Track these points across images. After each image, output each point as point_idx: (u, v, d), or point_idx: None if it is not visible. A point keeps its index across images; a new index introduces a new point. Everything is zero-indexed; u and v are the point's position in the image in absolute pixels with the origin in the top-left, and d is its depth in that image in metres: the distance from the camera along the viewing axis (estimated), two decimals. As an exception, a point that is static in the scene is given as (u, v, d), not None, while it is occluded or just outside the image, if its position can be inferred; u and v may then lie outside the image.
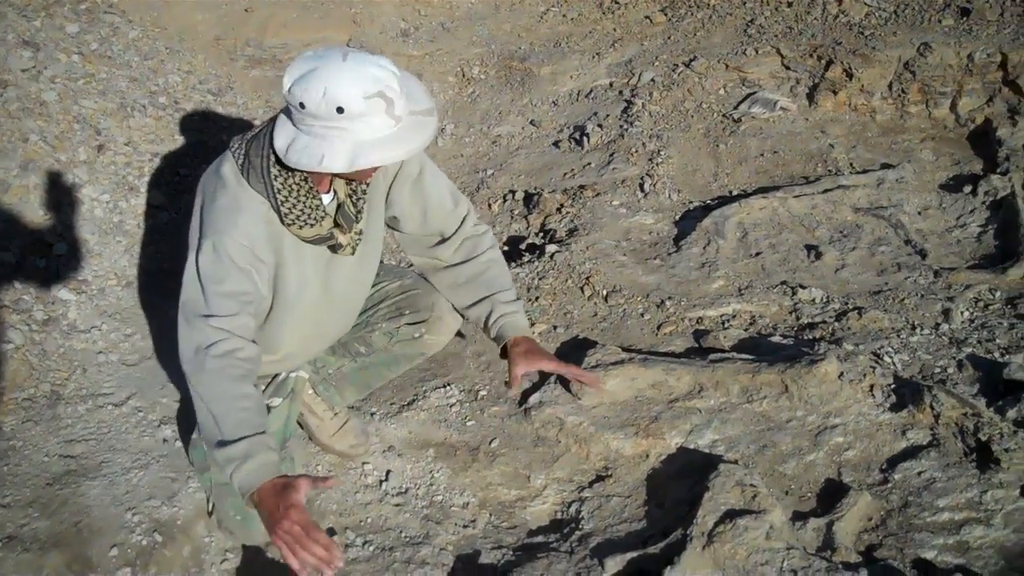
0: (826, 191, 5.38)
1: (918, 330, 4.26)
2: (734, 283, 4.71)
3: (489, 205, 5.66)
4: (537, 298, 4.56)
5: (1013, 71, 6.02)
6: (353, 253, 2.93)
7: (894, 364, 3.98)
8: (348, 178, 2.77)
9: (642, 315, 4.47)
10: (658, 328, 4.39)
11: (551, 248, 4.91)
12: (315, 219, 2.74)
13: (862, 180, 5.49)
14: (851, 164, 5.81)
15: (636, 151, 5.83)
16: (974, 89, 6.14)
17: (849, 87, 6.27)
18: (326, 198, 2.82)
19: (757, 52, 6.53)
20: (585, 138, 6.08)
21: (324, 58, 2.44)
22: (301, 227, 2.73)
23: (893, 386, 3.74)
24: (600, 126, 6.17)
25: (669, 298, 4.56)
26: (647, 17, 7.39)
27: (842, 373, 3.76)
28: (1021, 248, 4.81)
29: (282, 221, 2.73)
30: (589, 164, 5.87)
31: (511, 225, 5.46)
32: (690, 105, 6.33)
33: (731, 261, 4.88)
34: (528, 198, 5.62)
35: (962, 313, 4.38)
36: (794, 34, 6.71)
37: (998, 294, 4.54)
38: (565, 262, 4.78)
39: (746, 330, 4.37)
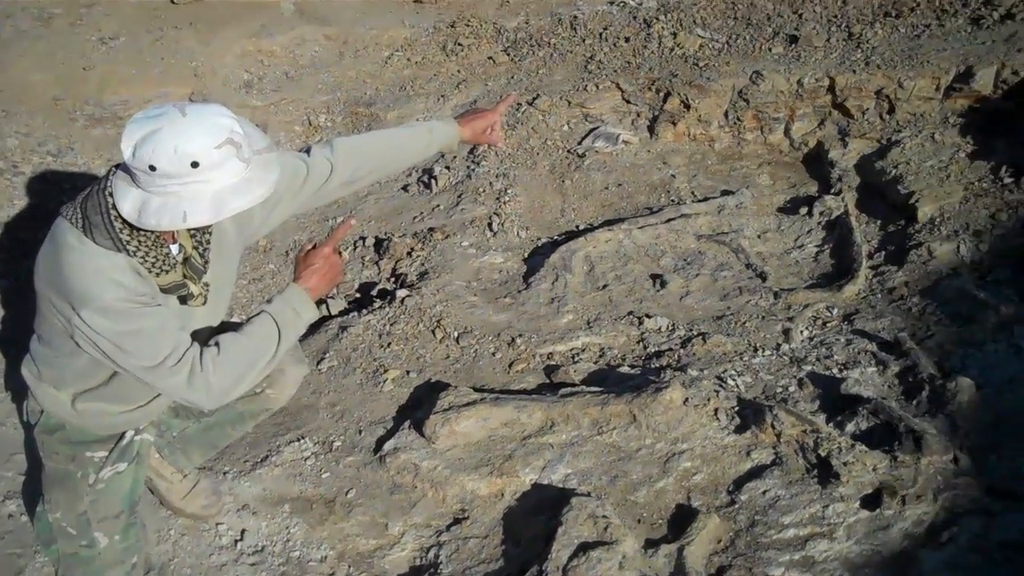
0: (669, 220, 5.51)
1: (760, 352, 4.39)
2: (583, 316, 4.78)
3: (340, 252, 5.62)
4: (389, 344, 4.56)
5: (841, 94, 6.27)
6: (204, 303, 2.88)
7: (738, 386, 4.09)
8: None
9: (494, 354, 4.51)
10: (510, 366, 4.43)
11: (402, 293, 4.92)
12: (168, 265, 2.68)
13: (703, 208, 5.64)
14: (692, 192, 5.98)
15: (484, 191, 5.90)
16: (806, 113, 6.38)
17: (687, 117, 6.44)
18: (173, 249, 2.77)
19: (598, 87, 6.66)
20: (433, 181, 6.12)
21: (163, 117, 2.37)
22: (157, 275, 2.66)
23: (736, 408, 3.85)
24: (447, 168, 6.22)
25: (520, 335, 4.61)
26: (490, 58, 7.48)
27: (687, 399, 3.85)
28: (856, 265, 5.00)
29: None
30: (438, 206, 5.90)
31: (362, 272, 5.46)
32: (535, 142, 6.41)
33: (579, 295, 4.95)
34: (379, 243, 5.63)
35: (801, 332, 4.53)
36: (632, 68, 6.86)
37: (835, 311, 4.70)
38: (416, 306, 4.80)
39: (595, 362, 4.44)
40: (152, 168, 2.35)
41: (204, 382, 2.64)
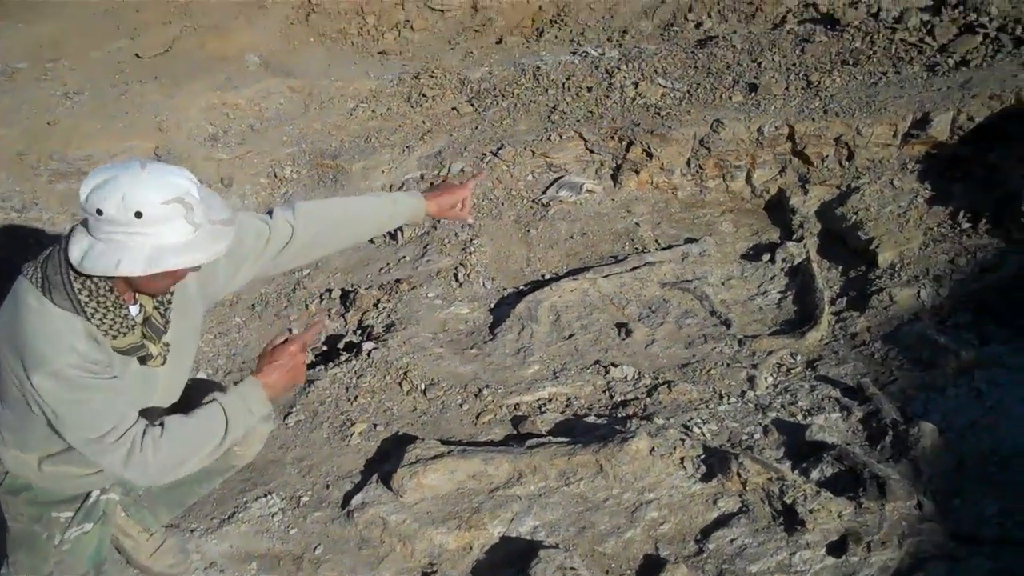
0: (634, 269, 5.55)
1: (725, 399, 4.42)
2: (549, 366, 4.80)
3: (306, 305, 5.65)
4: (356, 397, 4.56)
5: (801, 142, 6.35)
6: (163, 364, 2.88)
7: (703, 435, 4.11)
8: (146, 292, 2.73)
9: (461, 406, 4.52)
10: (477, 417, 4.44)
11: (368, 345, 4.93)
12: (126, 328, 2.69)
13: (667, 256, 5.69)
14: (656, 240, 6.03)
15: (449, 242, 5.92)
16: (766, 161, 6.45)
17: (650, 166, 6.51)
18: (133, 310, 2.77)
19: (561, 137, 6.72)
20: (399, 232, 6.14)
21: (123, 168, 2.43)
22: (114, 337, 2.66)
23: (702, 457, 3.87)
24: (413, 219, 6.23)
25: (487, 386, 4.62)
26: (454, 108, 7.54)
27: (653, 448, 3.87)
28: (818, 311, 5.05)
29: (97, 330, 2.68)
30: (404, 258, 5.92)
31: (329, 324, 5.45)
32: (500, 193, 6.46)
33: (545, 345, 4.98)
34: (345, 295, 5.64)
35: (766, 379, 4.56)
36: (595, 118, 6.94)
37: (799, 358, 4.74)
38: (383, 359, 4.80)
39: (562, 412, 4.45)
40: (99, 212, 2.40)
41: (142, 462, 2.62)
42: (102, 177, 2.42)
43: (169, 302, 2.87)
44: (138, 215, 2.39)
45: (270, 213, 3.14)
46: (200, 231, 2.50)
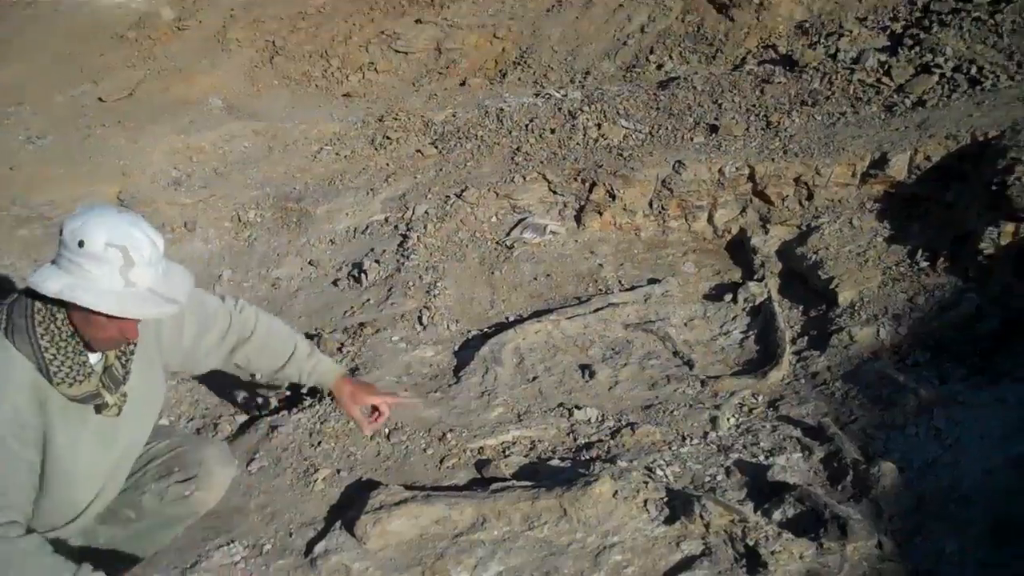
0: (597, 310, 5.58)
1: (688, 440, 4.43)
2: (513, 409, 4.80)
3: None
4: (320, 443, 4.55)
5: (761, 182, 6.42)
6: (118, 414, 2.88)
7: (666, 477, 4.12)
8: (90, 342, 2.73)
9: (425, 450, 4.50)
10: (441, 462, 4.43)
11: (332, 390, 4.92)
12: (83, 375, 2.70)
13: (630, 297, 5.72)
14: (620, 281, 6.07)
15: (413, 284, 5.93)
16: (727, 201, 6.52)
17: (613, 207, 6.56)
18: (93, 358, 2.78)
19: (525, 179, 6.77)
20: (363, 275, 6.15)
21: (110, 208, 2.56)
22: (70, 385, 2.68)
23: (665, 499, 3.87)
24: (377, 262, 6.25)
25: (451, 430, 4.61)
26: (418, 150, 7.58)
27: (616, 491, 3.86)
28: (779, 351, 5.08)
29: (51, 381, 2.68)
30: (368, 301, 5.93)
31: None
32: (464, 235, 6.49)
33: (509, 388, 4.98)
34: (309, 339, 5.61)
35: (728, 420, 4.58)
36: (558, 159, 6.99)
37: (760, 398, 4.77)
38: (346, 403, 4.79)
39: (526, 455, 4.45)
40: (60, 232, 2.53)
41: None
42: (93, 208, 2.56)
43: (132, 353, 2.89)
44: (80, 244, 2.49)
45: (222, 298, 3.28)
46: (132, 291, 2.55)
